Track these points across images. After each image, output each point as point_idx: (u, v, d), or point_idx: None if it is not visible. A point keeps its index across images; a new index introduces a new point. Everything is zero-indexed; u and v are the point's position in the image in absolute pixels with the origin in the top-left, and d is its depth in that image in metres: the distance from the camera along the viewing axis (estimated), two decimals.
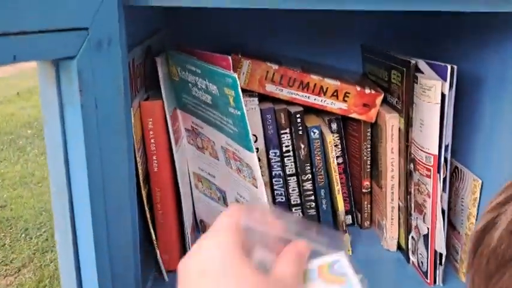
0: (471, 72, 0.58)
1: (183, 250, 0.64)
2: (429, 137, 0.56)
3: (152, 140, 0.58)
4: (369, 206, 0.75)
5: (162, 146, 0.58)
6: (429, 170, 0.57)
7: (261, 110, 0.67)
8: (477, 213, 0.59)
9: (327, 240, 0.33)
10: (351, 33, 0.81)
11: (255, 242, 0.31)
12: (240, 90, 0.48)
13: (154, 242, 0.58)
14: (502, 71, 0.54)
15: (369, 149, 0.71)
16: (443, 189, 0.57)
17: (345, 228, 0.67)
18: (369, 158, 0.72)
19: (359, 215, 0.77)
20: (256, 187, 0.52)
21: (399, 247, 0.70)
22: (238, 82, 0.47)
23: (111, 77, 0.40)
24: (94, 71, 0.37)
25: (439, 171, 0.56)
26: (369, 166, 0.72)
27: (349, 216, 0.77)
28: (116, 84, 0.41)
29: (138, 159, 0.53)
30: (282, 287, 0.29)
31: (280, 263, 0.31)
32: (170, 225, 0.62)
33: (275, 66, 0.66)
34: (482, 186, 0.57)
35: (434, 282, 0.62)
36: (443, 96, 0.53)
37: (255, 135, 0.68)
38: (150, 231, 0.57)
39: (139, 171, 0.54)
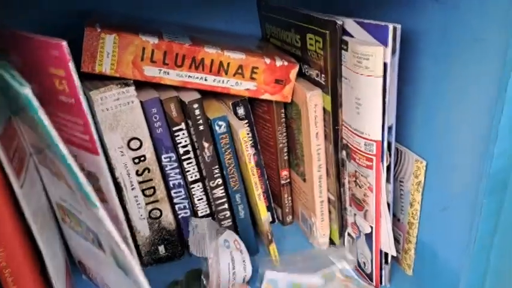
0: (404, 27, 0.46)
1: None
2: (369, 120, 0.44)
3: None
4: (289, 198, 0.63)
5: None
6: (370, 160, 0.45)
7: (141, 103, 0.49)
8: (422, 199, 0.50)
9: None
10: None
11: None
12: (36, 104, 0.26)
13: None
14: (444, 23, 0.43)
15: (285, 134, 0.58)
16: (387, 180, 0.47)
17: (270, 238, 0.54)
18: (286, 145, 0.59)
19: (279, 210, 0.65)
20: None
21: (331, 243, 0.60)
22: (32, 100, 0.26)
23: None
24: None
25: (382, 160, 0.45)
26: (285, 154, 0.59)
27: (269, 214, 0.64)
28: None
29: None
30: None
31: None
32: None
33: (154, 40, 0.47)
34: (426, 167, 0.48)
35: (380, 283, 0.53)
36: (385, 66, 0.41)
37: (138, 138, 0.50)
38: None
39: None
